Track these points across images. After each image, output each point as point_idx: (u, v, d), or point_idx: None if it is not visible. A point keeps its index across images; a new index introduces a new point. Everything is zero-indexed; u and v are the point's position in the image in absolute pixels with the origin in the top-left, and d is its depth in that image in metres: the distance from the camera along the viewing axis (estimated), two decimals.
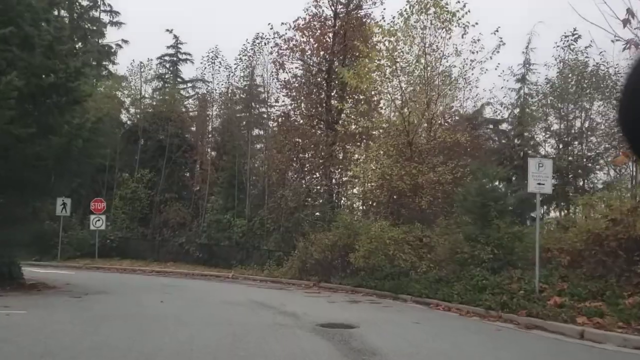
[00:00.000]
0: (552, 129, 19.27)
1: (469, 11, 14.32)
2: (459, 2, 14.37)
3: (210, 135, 28.34)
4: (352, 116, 17.78)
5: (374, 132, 19.38)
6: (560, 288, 9.52)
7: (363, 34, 19.03)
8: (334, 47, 21.33)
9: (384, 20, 15.90)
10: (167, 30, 29.62)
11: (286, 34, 21.76)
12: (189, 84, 30.88)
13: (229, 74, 25.04)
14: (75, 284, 13.36)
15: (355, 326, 7.98)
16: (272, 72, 22.78)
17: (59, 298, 10.56)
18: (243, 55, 23.39)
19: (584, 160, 18.01)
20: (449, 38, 14.48)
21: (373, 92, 17.50)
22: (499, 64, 16.12)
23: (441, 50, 14.46)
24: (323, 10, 21.42)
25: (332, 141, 20.50)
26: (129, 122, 28.54)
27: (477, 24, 14.49)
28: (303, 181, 22.24)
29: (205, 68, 26.03)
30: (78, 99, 12.70)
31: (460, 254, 11.83)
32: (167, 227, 23.95)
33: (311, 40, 21.97)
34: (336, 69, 20.82)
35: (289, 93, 22.56)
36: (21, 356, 5.54)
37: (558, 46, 18.15)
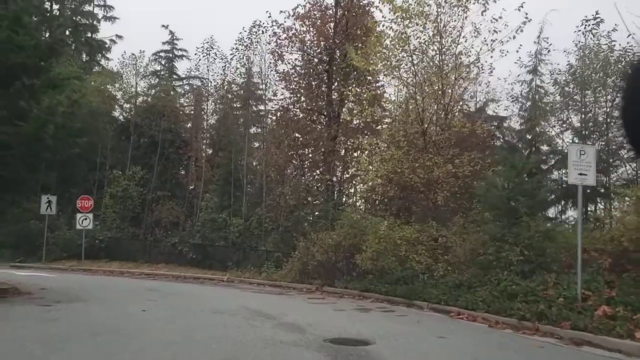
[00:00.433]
0: (568, 121, 17.96)
1: None
2: None
3: (205, 132, 27.18)
4: (357, 106, 16.37)
5: (377, 128, 18.16)
6: (607, 295, 8.16)
7: (366, 24, 17.79)
8: (335, 36, 20.10)
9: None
10: (163, 25, 29.12)
11: (285, 22, 20.69)
12: (185, 81, 30.37)
13: (225, 65, 23.83)
14: (51, 289, 11.96)
15: (371, 342, 6.72)
16: (270, 63, 21.60)
17: (24, 307, 9.13)
18: (239, 45, 22.04)
19: (604, 155, 16.62)
20: (466, 17, 13.09)
21: (382, 76, 16.01)
22: (520, 45, 14.64)
23: (457, 31, 13.05)
24: None
25: (334, 135, 19.35)
26: (121, 118, 27.50)
27: None
28: (303, 178, 21.08)
29: (199, 60, 24.90)
30: (55, 81, 11.38)
31: (484, 255, 10.49)
32: (160, 227, 23.07)
33: (311, 29, 20.91)
34: (337, 58, 19.65)
35: (288, 85, 21.45)
36: None
37: (579, 30, 16.79)
